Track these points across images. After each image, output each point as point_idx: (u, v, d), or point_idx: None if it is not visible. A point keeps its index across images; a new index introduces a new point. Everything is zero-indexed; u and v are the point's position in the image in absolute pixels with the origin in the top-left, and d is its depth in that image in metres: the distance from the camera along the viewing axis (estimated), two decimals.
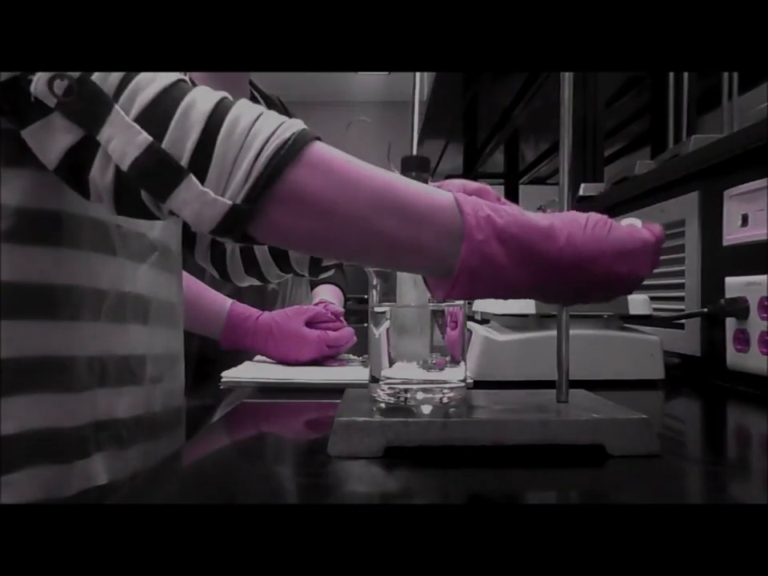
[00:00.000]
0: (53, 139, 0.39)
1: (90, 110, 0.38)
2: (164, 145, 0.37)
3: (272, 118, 0.39)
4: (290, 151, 0.38)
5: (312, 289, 1.32)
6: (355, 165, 0.40)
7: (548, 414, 0.45)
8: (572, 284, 0.41)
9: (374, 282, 0.51)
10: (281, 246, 0.47)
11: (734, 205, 0.78)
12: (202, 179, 0.37)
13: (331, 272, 0.75)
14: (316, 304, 1.05)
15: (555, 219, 0.41)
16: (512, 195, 3.90)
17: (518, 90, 3.04)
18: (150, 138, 0.37)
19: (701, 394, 0.79)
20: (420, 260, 0.41)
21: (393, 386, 0.49)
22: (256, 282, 0.79)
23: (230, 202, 0.37)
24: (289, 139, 0.38)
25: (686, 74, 1.43)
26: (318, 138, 0.40)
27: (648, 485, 0.40)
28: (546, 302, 0.45)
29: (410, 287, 0.49)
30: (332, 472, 0.41)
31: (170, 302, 0.61)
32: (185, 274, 0.94)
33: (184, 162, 0.37)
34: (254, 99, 1.17)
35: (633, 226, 0.43)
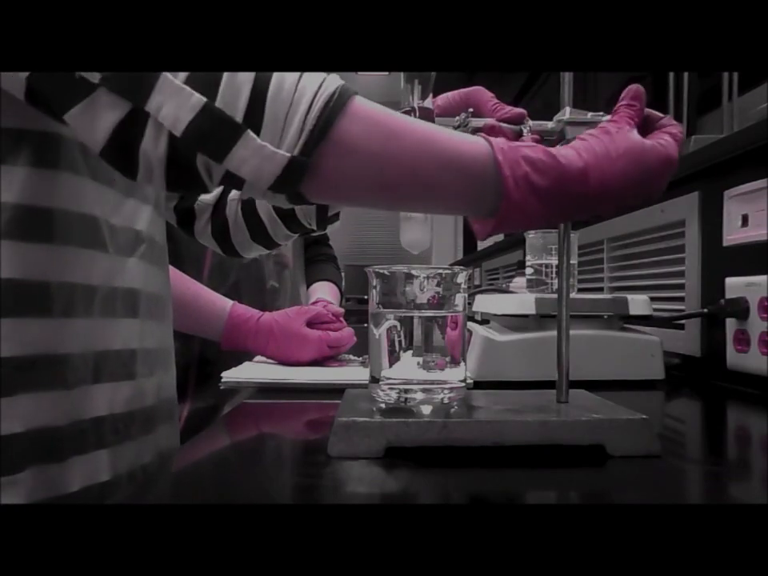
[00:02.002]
0: (99, 117, 0.38)
1: (136, 81, 0.38)
2: (217, 105, 0.38)
3: (313, 75, 0.41)
4: (338, 104, 0.39)
5: (308, 287, 1.32)
6: (396, 116, 0.42)
7: (548, 414, 0.45)
8: (598, 213, 0.45)
9: (374, 283, 0.51)
10: (331, 199, 0.49)
11: (734, 205, 0.78)
12: (257, 135, 0.38)
13: (336, 222, 0.74)
14: (314, 303, 1.05)
15: (589, 157, 0.43)
16: None
17: (518, 90, 3.04)
18: (204, 99, 0.37)
19: (701, 394, 0.79)
20: (461, 204, 0.45)
21: (393, 386, 0.49)
22: (263, 251, 0.78)
23: (288, 154, 0.39)
24: (334, 93, 0.40)
25: (686, 74, 1.43)
26: (356, 93, 0.41)
27: (648, 485, 0.40)
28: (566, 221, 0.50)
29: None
30: (332, 472, 0.41)
31: (159, 294, 0.61)
32: (184, 276, 0.94)
33: (239, 119, 0.38)
34: None
35: (659, 143, 0.46)
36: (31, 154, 0.44)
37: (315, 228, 0.73)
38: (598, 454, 0.43)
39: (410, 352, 0.49)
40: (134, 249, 0.56)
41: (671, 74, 1.51)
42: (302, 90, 0.39)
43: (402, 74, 0.50)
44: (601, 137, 0.45)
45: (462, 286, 0.50)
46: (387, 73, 4.19)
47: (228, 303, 0.94)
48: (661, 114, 0.51)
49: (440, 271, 0.50)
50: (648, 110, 0.50)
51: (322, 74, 0.41)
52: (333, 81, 0.40)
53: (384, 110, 0.42)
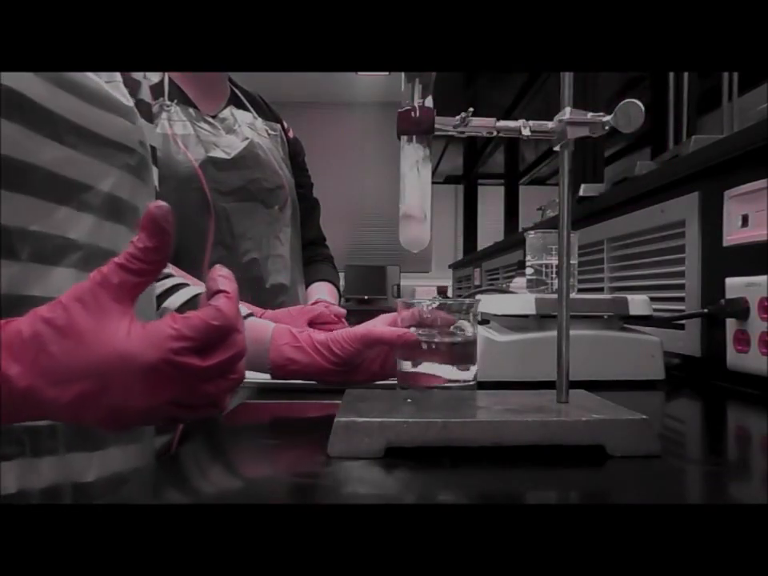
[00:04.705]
0: None
1: None
2: None
3: None
4: None
5: (306, 287, 1.32)
6: None
7: (548, 414, 0.45)
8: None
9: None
10: None
11: (734, 205, 0.78)
12: None
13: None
14: (314, 303, 1.04)
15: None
16: (512, 196, 3.90)
17: (518, 90, 3.04)
18: None
19: (701, 394, 0.79)
20: None
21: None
22: None
23: None
24: None
25: (686, 74, 1.43)
26: None
27: (648, 485, 0.40)
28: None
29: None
30: (332, 472, 0.41)
31: None
32: None
33: None
34: (234, 97, 1.16)
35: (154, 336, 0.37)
36: None
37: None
38: (598, 454, 0.43)
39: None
40: (63, 257, 0.54)
41: (671, 74, 1.51)
42: None
43: (402, 73, 0.50)
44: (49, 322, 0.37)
45: (474, 311, 0.60)
46: (387, 73, 4.19)
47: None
48: (221, 281, 0.41)
49: (455, 302, 0.59)
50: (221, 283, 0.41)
51: None
52: None
53: None
